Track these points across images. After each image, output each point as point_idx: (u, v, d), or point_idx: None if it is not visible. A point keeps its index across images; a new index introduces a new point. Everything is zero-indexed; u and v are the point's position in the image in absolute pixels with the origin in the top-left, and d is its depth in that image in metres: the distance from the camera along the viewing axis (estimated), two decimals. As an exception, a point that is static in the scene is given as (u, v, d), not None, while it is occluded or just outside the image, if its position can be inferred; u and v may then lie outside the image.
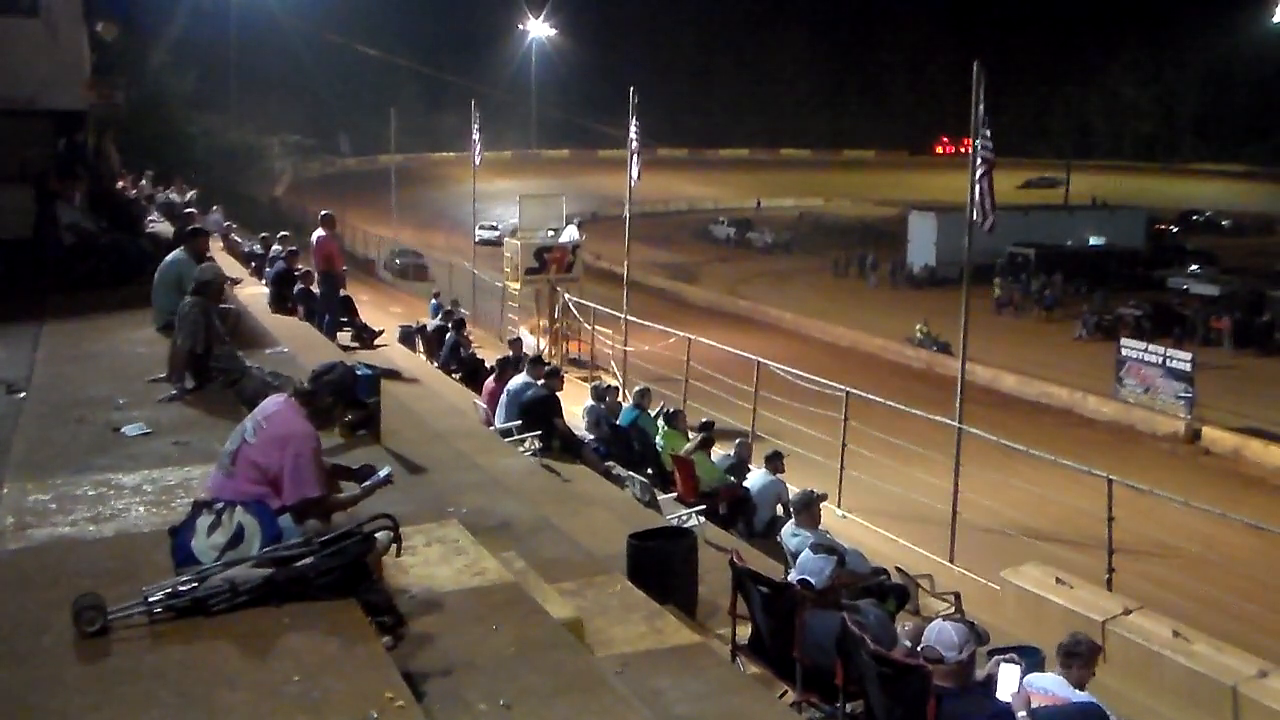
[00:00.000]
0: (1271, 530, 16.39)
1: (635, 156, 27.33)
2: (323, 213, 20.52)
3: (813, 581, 8.73)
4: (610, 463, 15.18)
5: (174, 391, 9.89)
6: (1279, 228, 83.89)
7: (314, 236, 19.48)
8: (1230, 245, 72.37)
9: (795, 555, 10.23)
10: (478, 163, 37.03)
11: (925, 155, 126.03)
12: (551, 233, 31.37)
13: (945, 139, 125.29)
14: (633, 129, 27.30)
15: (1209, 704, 11.67)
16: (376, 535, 6.01)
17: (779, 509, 13.96)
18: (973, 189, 17.10)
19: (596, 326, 29.57)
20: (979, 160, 17.07)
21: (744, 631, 8.86)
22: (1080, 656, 7.92)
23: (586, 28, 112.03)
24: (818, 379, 20.26)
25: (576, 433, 15.96)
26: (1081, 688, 7.80)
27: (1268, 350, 42.97)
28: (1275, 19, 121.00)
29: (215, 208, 33.93)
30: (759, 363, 20.93)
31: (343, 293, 20.27)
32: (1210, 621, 13.84)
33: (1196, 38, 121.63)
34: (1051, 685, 7.78)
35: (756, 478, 14.46)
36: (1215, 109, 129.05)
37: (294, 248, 21.25)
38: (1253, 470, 29.27)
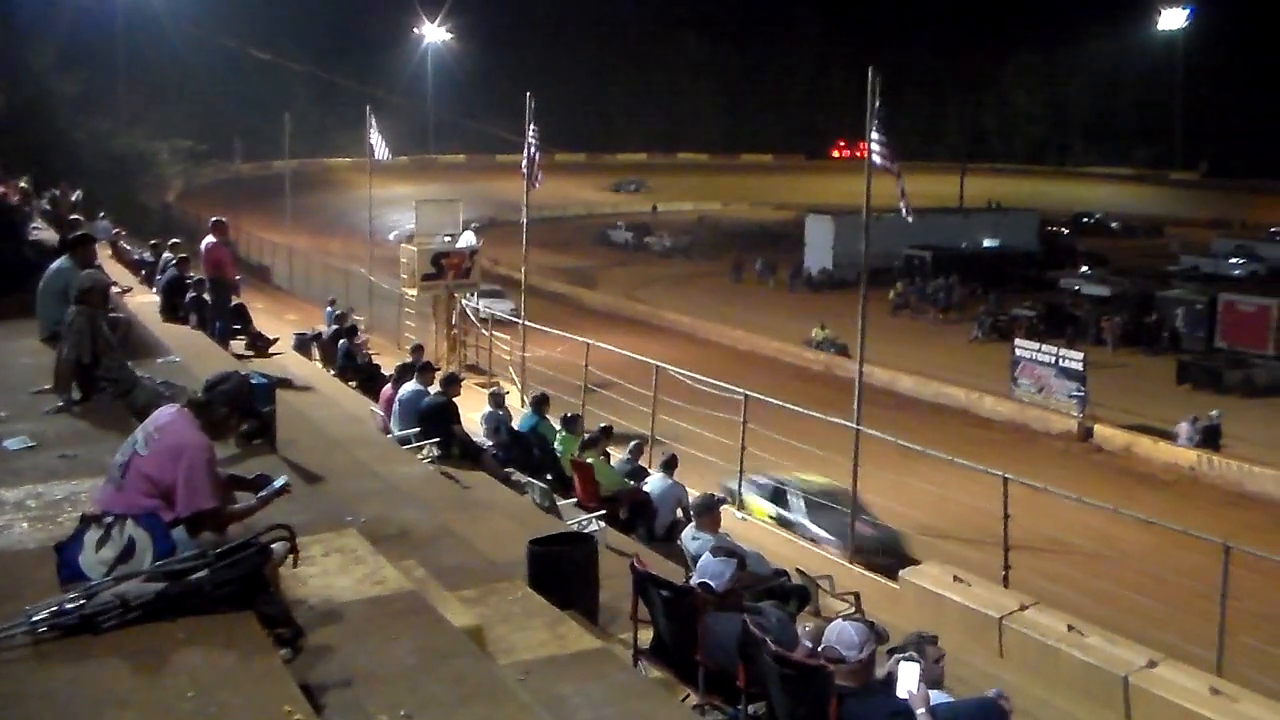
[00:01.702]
0: (1161, 525, 16.77)
1: (533, 161, 27.22)
2: (214, 219, 20.16)
3: (714, 584, 8.73)
4: (510, 469, 15.11)
5: (60, 403, 9.65)
6: (1167, 229, 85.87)
7: (203, 243, 19.11)
8: (1120, 247, 74.00)
9: (696, 559, 10.23)
10: (381, 158, 36.79)
11: (822, 159, 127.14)
12: (449, 238, 31.15)
13: (842, 143, 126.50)
14: (530, 133, 27.19)
15: (1102, 695, 11.90)
16: (273, 546, 5.90)
17: (679, 513, 13.99)
18: (870, 192, 17.35)
19: (494, 332, 29.44)
20: (880, 161, 17.28)
21: (646, 636, 8.84)
22: (919, 655, 7.98)
23: (483, 32, 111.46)
24: (716, 382, 20.33)
25: (475, 439, 15.86)
26: (938, 686, 7.83)
27: (1155, 349, 43.99)
28: (1159, 26, 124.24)
29: (103, 214, 33.20)
30: (657, 367, 20.96)
31: (236, 300, 19.95)
32: (1103, 615, 14.09)
33: (1086, 44, 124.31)
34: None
35: (656, 482, 14.48)
36: (1104, 114, 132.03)
37: (185, 255, 20.85)
38: (1143, 466, 29.96)
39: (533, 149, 27.12)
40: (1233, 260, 64.88)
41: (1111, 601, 15.49)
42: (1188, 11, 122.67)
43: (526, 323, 27.41)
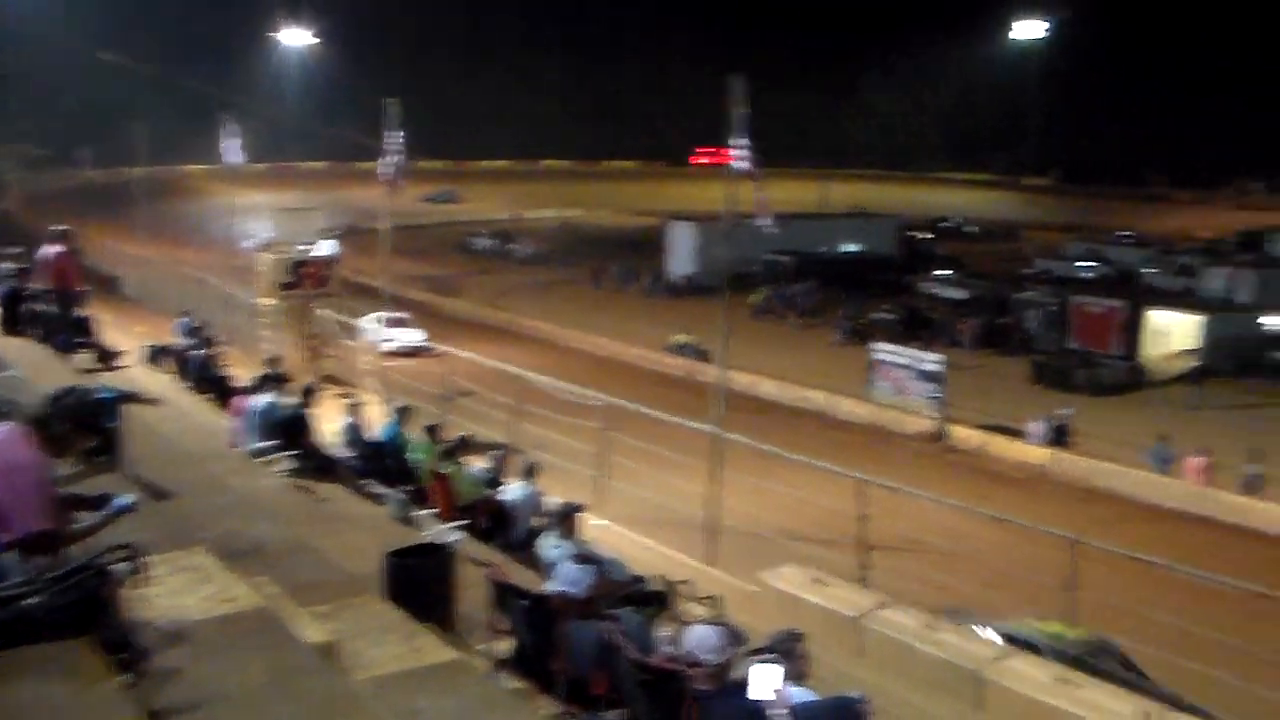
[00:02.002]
0: (1012, 521, 17.17)
1: (395, 169, 26.91)
2: (58, 228, 19.54)
3: (573, 592, 8.74)
4: (367, 480, 14.92)
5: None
6: (1022, 234, 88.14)
7: (45, 252, 18.47)
8: (976, 251, 75.78)
9: (554, 566, 10.22)
10: (234, 163, 36.10)
11: (685, 166, 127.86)
12: (307, 246, 30.71)
13: (705, 150, 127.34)
14: (392, 140, 26.88)
15: (956, 689, 12.11)
16: (114, 567, 5.73)
17: (537, 521, 13.94)
18: (733, 198, 17.47)
19: (353, 342, 29.08)
20: (745, 168, 17.42)
21: (506, 646, 8.80)
22: (788, 653, 8.07)
23: (343, 37, 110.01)
24: (577, 389, 20.32)
25: (332, 451, 15.64)
26: (800, 681, 7.92)
27: (1010, 350, 45.09)
28: (1016, 36, 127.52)
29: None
30: (519, 375, 20.88)
31: (81, 312, 19.37)
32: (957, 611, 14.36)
33: (945, 53, 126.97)
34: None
35: (515, 490, 14.40)
36: (962, 121, 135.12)
37: (25, 265, 20.18)
38: (995, 465, 30.64)
39: (394, 155, 26.82)
40: (1083, 263, 66.78)
41: (966, 598, 15.80)
42: (1046, 24, 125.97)
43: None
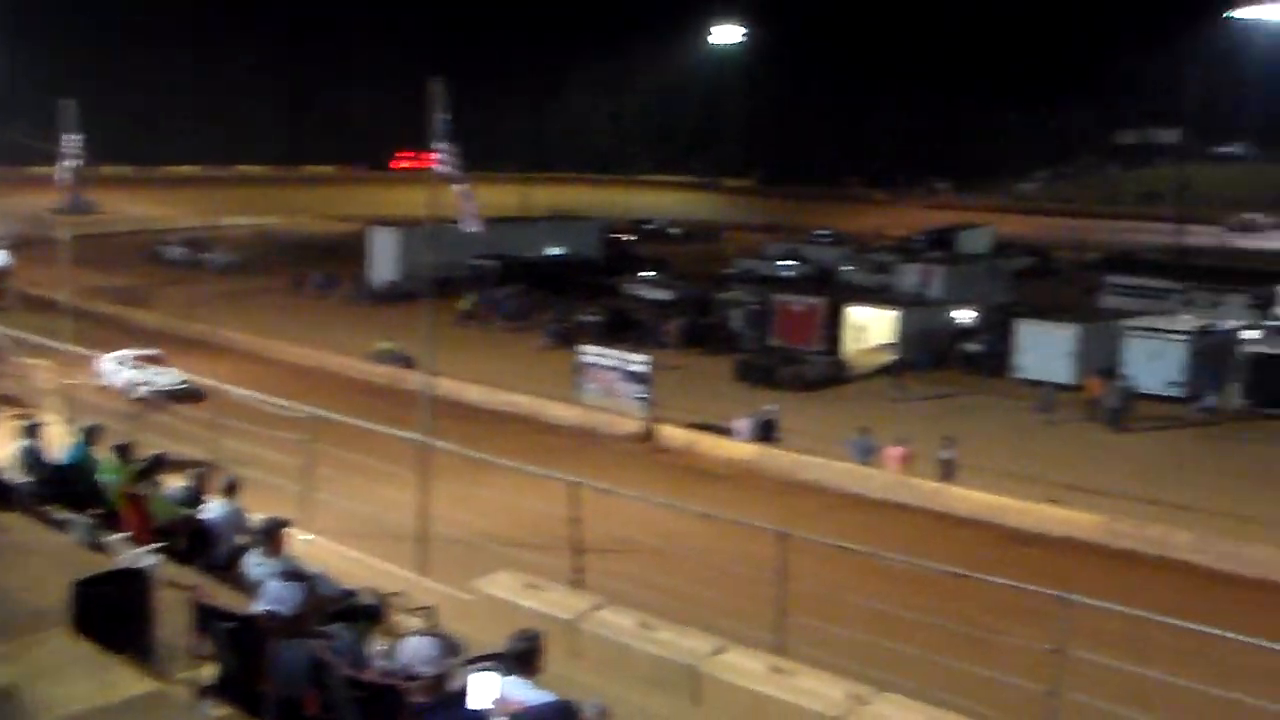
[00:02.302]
0: (721, 517, 17.48)
1: (72, 174, 25.52)
2: None
3: (280, 610, 8.39)
4: (49, 506, 13.97)
5: None
6: (724, 234, 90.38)
7: None
8: (680, 252, 77.30)
9: (260, 585, 9.79)
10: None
11: (386, 170, 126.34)
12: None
13: (406, 153, 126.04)
14: (69, 144, 25.49)
15: (674, 685, 12.22)
16: None
17: (241, 539, 13.35)
18: (437, 202, 17.18)
19: (32, 359, 27.32)
20: (448, 172, 17.16)
21: (211, 671, 8.36)
22: (525, 655, 7.99)
23: (22, 33, 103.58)
24: (280, 401, 19.66)
25: (6, 477, 14.59)
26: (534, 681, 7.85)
27: (715, 349, 46.08)
28: (715, 40, 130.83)
29: None
30: (217, 388, 20.07)
31: None
32: (673, 608, 14.47)
33: (646, 56, 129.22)
34: (514, 690, 7.80)
35: (216, 508, 13.76)
36: (664, 124, 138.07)
37: None
38: (703, 464, 31.22)
39: (71, 160, 25.43)
40: (783, 263, 68.91)
41: (679, 595, 15.96)
42: (743, 30, 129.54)
43: (71, 348, 25.65)
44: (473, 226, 17.76)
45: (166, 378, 31.22)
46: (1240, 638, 12.15)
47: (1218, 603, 21.30)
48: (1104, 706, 12.05)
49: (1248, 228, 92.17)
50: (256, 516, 12.70)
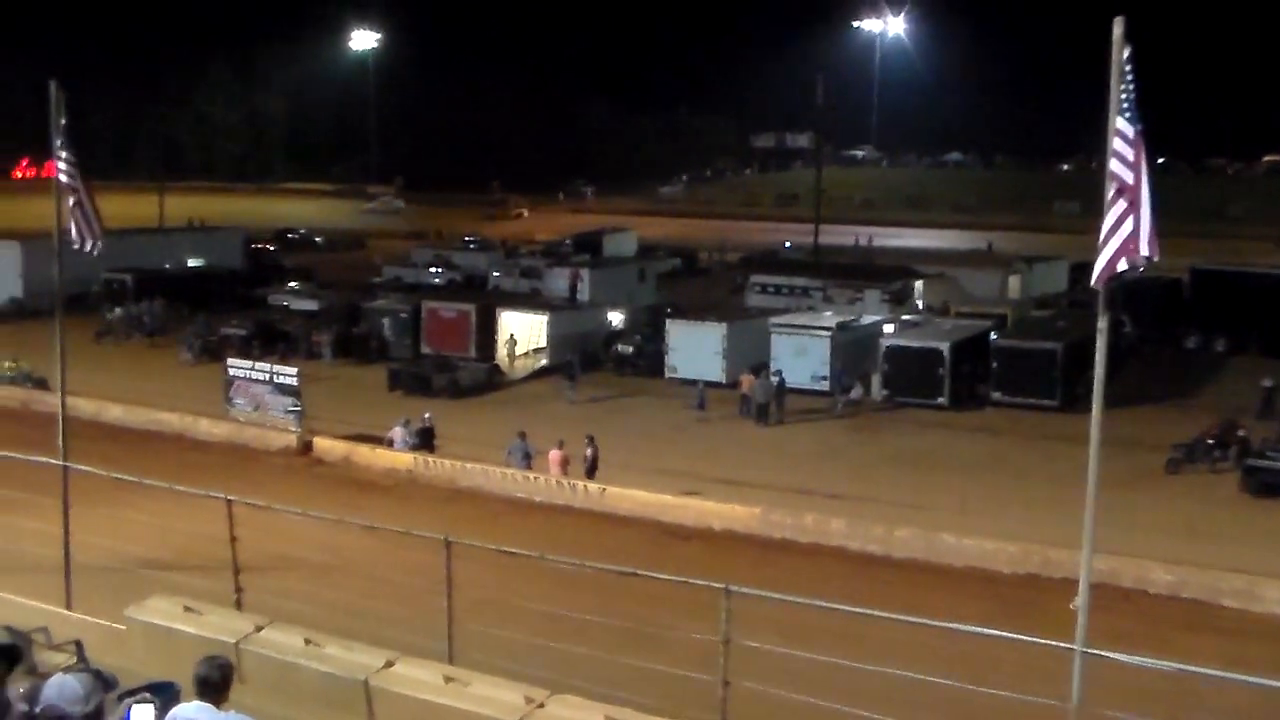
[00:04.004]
0: (384, 528, 17.18)
1: None
2: None
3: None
4: None
5: None
6: (369, 242, 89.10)
7: None
8: (326, 261, 75.70)
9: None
10: None
11: (6, 180, 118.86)
12: None
13: (26, 161, 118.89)
14: None
15: (345, 702, 11.95)
16: None
17: None
18: (61, 212, 16.08)
19: None
20: (69, 182, 16.09)
21: None
22: (217, 681, 7.64)
23: None
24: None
25: None
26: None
27: (367, 359, 45.41)
28: (352, 45, 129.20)
29: None
30: None
31: None
32: (340, 623, 14.17)
33: (282, 61, 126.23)
34: (197, 714, 7.41)
35: None
36: (302, 131, 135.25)
37: None
38: (363, 474, 30.71)
39: None
40: (432, 269, 68.51)
41: (346, 609, 15.64)
42: (378, 36, 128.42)
43: None
44: (86, 244, 16.24)
45: None
46: (892, 615, 12.80)
47: (872, 584, 22.42)
48: (774, 691, 12.43)
49: None
50: None
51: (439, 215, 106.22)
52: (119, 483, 18.17)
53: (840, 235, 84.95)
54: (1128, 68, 9.41)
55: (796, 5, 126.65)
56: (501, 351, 44.75)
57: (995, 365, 39.46)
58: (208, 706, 7.45)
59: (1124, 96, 9.41)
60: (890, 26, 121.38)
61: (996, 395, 39.14)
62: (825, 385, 40.09)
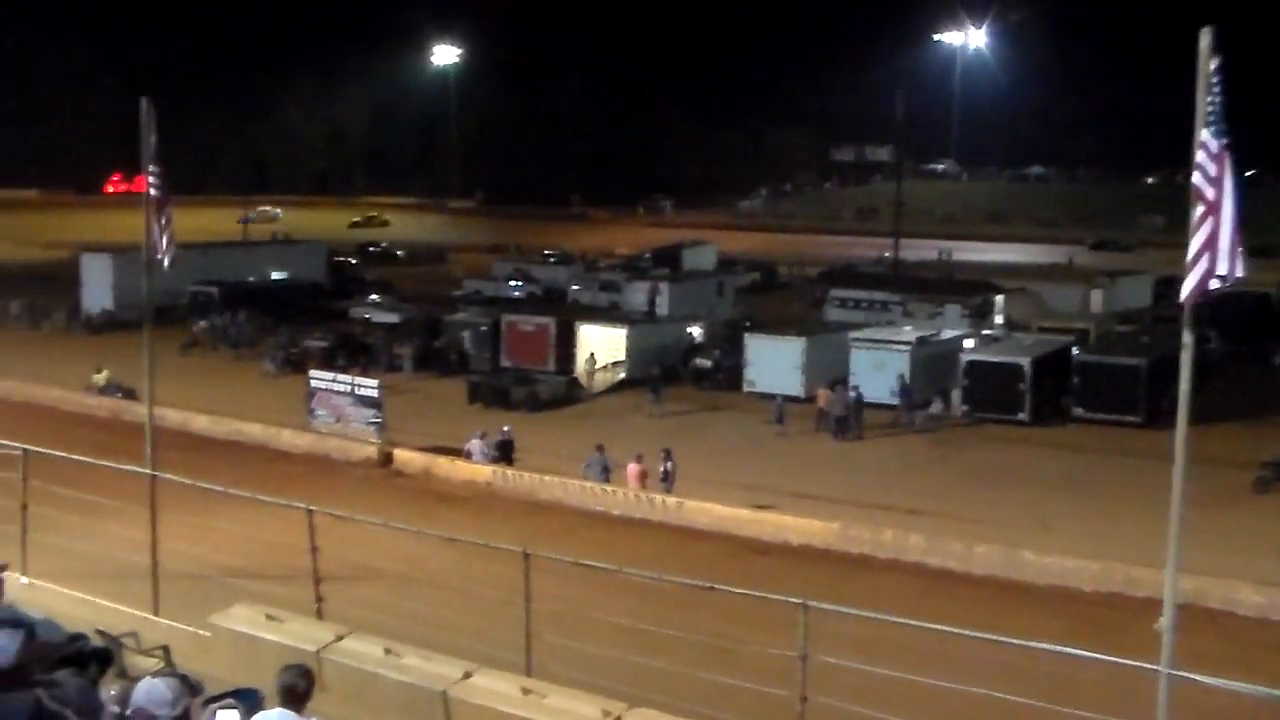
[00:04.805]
0: (463, 540, 17.27)
1: None
2: None
3: (-4, 661, 7.82)
4: None
5: None
6: (450, 256, 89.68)
7: None
8: (407, 274, 76.34)
9: (-26, 637, 9.11)
10: None
11: (96, 194, 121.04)
12: None
13: (118, 176, 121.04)
14: None
15: (423, 712, 12.03)
16: None
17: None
18: (150, 226, 16.38)
19: None
20: (159, 196, 16.39)
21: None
22: (299, 689, 7.74)
23: None
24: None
25: None
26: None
27: (447, 371, 45.73)
28: (434, 60, 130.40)
29: None
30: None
31: None
32: (419, 634, 14.27)
33: (365, 76, 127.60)
34: (279, 722, 7.54)
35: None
36: (384, 144, 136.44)
37: None
38: (442, 486, 30.93)
39: None
40: (512, 283, 68.89)
41: (424, 620, 15.72)
42: (459, 51, 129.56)
43: None
44: (167, 257, 16.66)
45: None
46: (972, 633, 12.67)
47: (950, 601, 22.20)
48: (852, 708, 12.34)
49: None
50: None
51: (519, 228, 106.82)
52: (204, 492, 18.43)
53: (920, 249, 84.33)
54: (1215, 79, 9.29)
55: (877, 19, 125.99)
56: (581, 367, 44.78)
57: (1077, 381, 38.98)
58: (289, 714, 7.55)
59: (1210, 108, 9.28)
60: (971, 39, 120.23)
61: (1079, 411, 38.68)
62: (903, 400, 39.79)
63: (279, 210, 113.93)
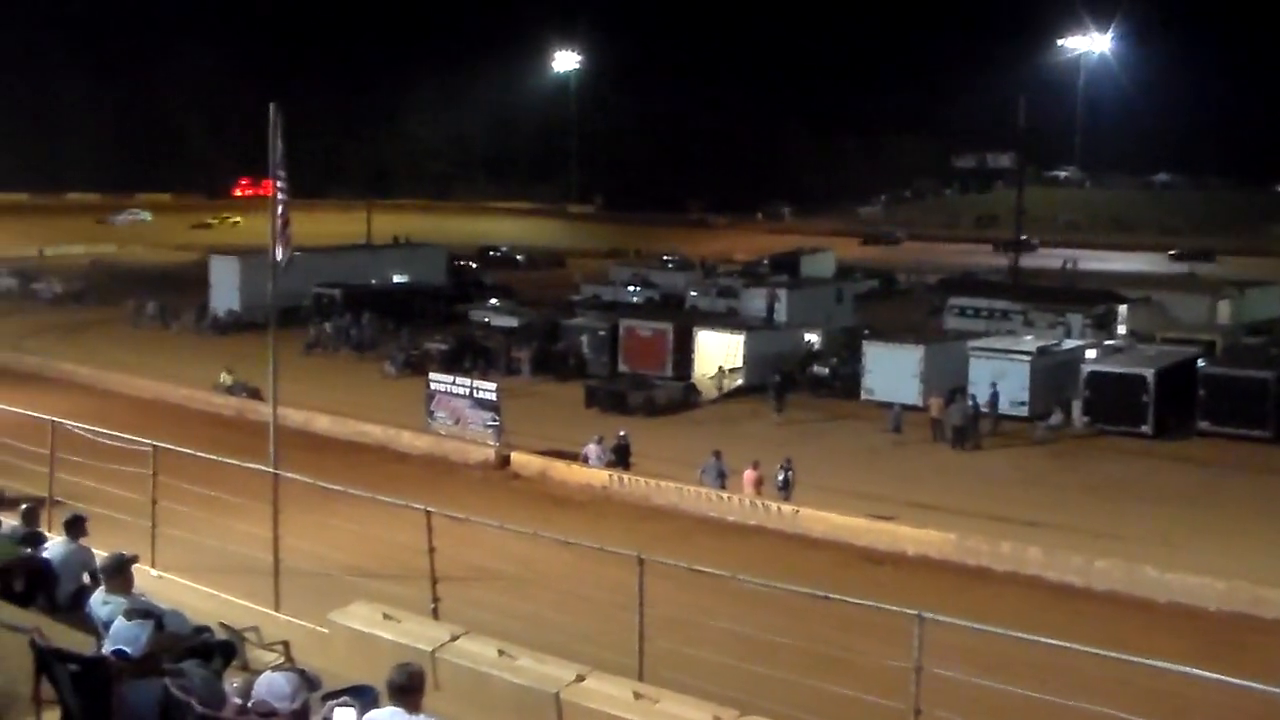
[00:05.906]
0: (578, 544, 17.37)
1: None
2: None
3: (129, 650, 8.08)
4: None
5: None
6: (569, 261, 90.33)
7: None
8: (526, 279, 77.10)
9: (107, 625, 9.42)
10: None
11: (226, 198, 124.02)
12: None
13: (245, 181, 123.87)
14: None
15: (536, 714, 12.10)
16: None
17: (85, 577, 12.84)
18: (274, 230, 16.77)
19: None
20: (284, 199, 16.77)
21: (53, 717, 8.01)
22: (409, 688, 7.86)
23: None
24: (121, 435, 19.02)
25: None
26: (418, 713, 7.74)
27: (564, 376, 46.04)
28: (554, 67, 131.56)
29: None
30: (53, 423, 19.33)
31: None
32: (532, 636, 14.35)
33: (485, 82, 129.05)
34: (391, 719, 7.65)
35: (57, 546, 13.22)
36: (504, 150, 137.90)
37: None
38: (558, 490, 31.12)
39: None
40: (630, 288, 69.13)
41: (539, 622, 15.84)
42: (580, 57, 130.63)
43: None
44: (284, 258, 17.10)
45: None
46: (1092, 650, 12.43)
47: (1070, 616, 21.82)
48: (967, 723, 12.20)
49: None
50: (101, 553, 12.24)
51: (638, 234, 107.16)
52: (325, 491, 18.75)
53: (1042, 258, 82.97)
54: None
55: (1001, 24, 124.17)
56: (703, 374, 44.67)
57: (1203, 393, 38.03)
58: (400, 711, 7.67)
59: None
60: (1096, 45, 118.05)
61: (1204, 424, 37.71)
62: (1024, 410, 39.20)
63: (147, 214, 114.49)
